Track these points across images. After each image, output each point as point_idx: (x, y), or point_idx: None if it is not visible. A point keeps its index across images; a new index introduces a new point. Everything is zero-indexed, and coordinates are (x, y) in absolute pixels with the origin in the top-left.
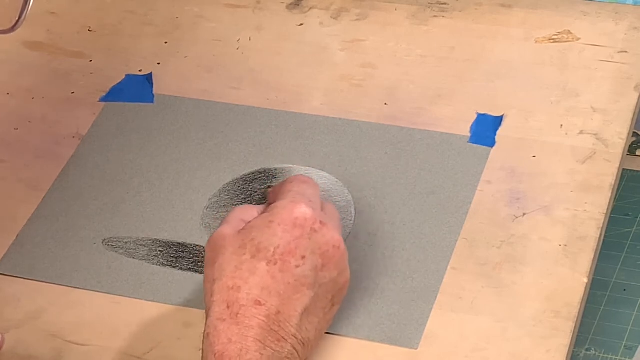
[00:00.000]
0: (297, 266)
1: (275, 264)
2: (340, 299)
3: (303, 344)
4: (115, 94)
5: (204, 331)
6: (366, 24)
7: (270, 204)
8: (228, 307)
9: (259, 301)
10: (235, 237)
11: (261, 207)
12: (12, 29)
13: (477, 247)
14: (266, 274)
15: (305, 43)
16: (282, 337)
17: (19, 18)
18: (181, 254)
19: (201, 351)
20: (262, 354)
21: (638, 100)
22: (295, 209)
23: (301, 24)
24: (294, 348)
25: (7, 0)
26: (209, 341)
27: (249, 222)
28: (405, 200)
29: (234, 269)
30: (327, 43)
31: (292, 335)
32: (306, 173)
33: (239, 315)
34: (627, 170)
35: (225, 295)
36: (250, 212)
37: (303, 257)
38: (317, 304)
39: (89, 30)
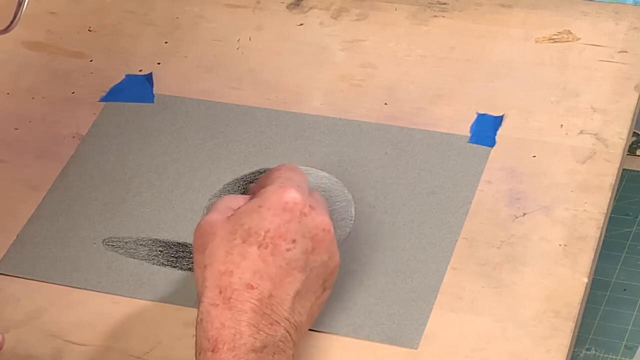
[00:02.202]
0: (288, 249)
1: (266, 247)
2: (331, 284)
3: (296, 327)
4: (115, 94)
5: (197, 317)
6: (366, 24)
7: (255, 193)
8: (220, 292)
9: (252, 285)
10: (224, 223)
11: (247, 197)
12: (7, 29)
13: (477, 247)
14: (257, 258)
15: (305, 43)
16: (275, 321)
17: (14, 18)
18: (181, 254)
19: (194, 337)
20: (255, 338)
21: (638, 100)
22: (285, 194)
23: (301, 24)
24: (287, 332)
25: (2, 1)
26: (202, 327)
27: (238, 208)
28: (405, 200)
29: (225, 254)
30: (327, 43)
31: (285, 319)
32: (306, 173)
33: (231, 300)
34: (627, 170)
35: (218, 280)
36: (237, 200)
37: (294, 241)
38: (308, 288)
39: (89, 30)
